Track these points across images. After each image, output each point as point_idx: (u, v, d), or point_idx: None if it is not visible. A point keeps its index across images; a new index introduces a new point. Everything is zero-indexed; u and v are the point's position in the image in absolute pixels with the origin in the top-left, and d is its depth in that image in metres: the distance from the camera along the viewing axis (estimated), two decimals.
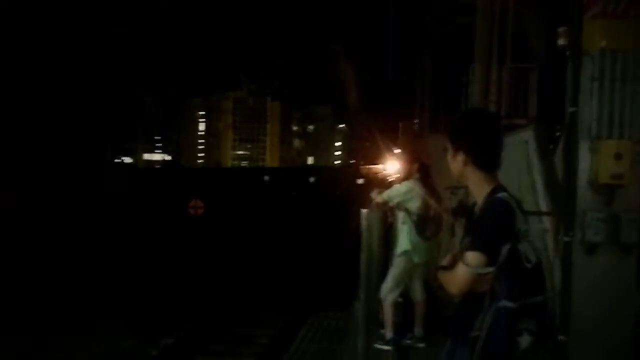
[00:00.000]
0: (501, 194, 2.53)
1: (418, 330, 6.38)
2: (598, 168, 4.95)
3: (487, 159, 2.60)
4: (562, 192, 5.53)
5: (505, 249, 2.40)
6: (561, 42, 5.37)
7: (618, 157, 4.86)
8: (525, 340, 2.43)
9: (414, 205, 6.19)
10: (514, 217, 2.48)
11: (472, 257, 2.44)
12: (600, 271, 4.99)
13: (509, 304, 2.40)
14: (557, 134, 7.77)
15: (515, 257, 2.42)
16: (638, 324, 5.16)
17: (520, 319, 2.42)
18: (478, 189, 2.62)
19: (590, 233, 4.95)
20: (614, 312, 4.99)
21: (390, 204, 6.43)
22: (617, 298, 5.05)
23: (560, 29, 5.39)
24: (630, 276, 5.12)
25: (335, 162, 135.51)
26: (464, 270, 2.45)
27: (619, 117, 4.98)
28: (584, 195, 5.09)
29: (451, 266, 2.58)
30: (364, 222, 5.24)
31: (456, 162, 2.64)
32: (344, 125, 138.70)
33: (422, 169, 6.45)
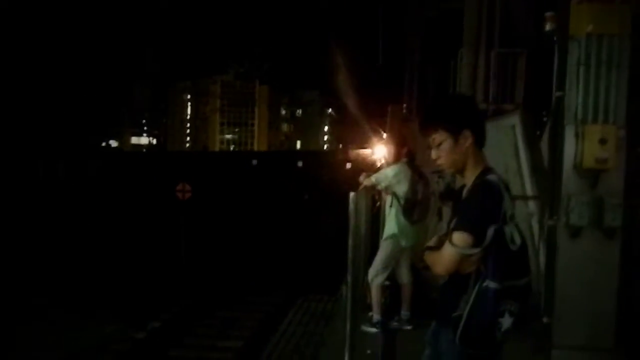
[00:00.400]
0: (490, 176, 2.57)
1: (405, 313, 6.44)
2: (583, 152, 5.00)
3: (483, 135, 2.66)
4: (547, 176, 5.59)
5: (491, 231, 2.43)
6: (548, 27, 5.39)
7: (603, 141, 4.92)
8: (507, 322, 2.46)
9: (402, 188, 6.22)
10: (502, 199, 2.50)
11: (458, 237, 2.46)
12: (584, 254, 5.06)
13: (493, 285, 2.43)
14: (544, 119, 7.83)
15: (501, 239, 2.45)
16: (620, 307, 5.24)
17: (503, 300, 2.44)
18: (471, 170, 2.64)
19: (574, 217, 5.01)
20: (597, 295, 5.06)
21: (378, 188, 6.46)
22: (600, 281, 5.13)
23: (547, 14, 5.41)
24: (613, 260, 5.19)
25: (324, 147, 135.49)
26: (451, 250, 2.47)
27: (604, 102, 5.02)
28: (569, 180, 5.15)
29: (438, 247, 2.60)
30: (351, 206, 5.26)
31: (459, 146, 2.62)
32: (331, 109, 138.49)
33: (410, 153, 6.48)
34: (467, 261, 2.46)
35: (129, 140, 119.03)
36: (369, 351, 5.42)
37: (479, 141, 2.64)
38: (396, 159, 6.44)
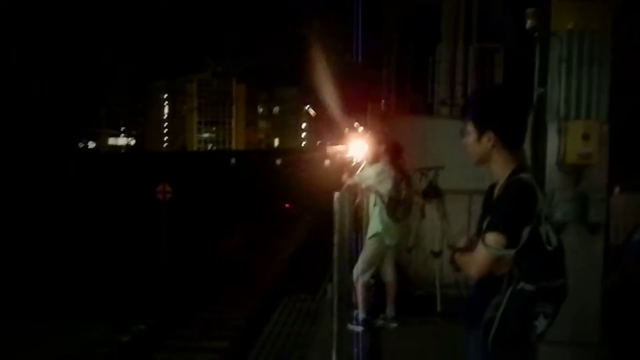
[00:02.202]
0: (523, 175, 2.47)
1: (390, 311, 6.45)
2: (566, 148, 5.03)
3: (514, 138, 2.56)
4: (531, 171, 5.62)
5: (526, 231, 2.35)
6: (529, 23, 5.40)
7: (585, 137, 4.95)
8: (541, 324, 2.40)
9: (385, 187, 6.23)
10: (536, 198, 2.42)
11: (492, 238, 2.39)
12: (567, 250, 5.07)
13: (528, 287, 2.35)
14: None
15: (536, 239, 2.37)
16: (604, 302, 5.29)
17: (538, 302, 2.37)
18: (501, 169, 2.56)
19: (558, 213, 5.03)
20: (581, 290, 5.08)
21: (362, 186, 6.46)
22: (585, 276, 5.16)
23: (529, 10, 5.42)
24: (597, 255, 5.23)
25: (302, 144, 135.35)
26: (484, 251, 2.40)
27: (586, 98, 5.06)
28: (552, 176, 5.17)
29: (467, 248, 2.53)
30: (335, 205, 5.24)
31: (481, 144, 2.55)
32: (309, 106, 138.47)
33: (390, 151, 6.48)
34: (501, 262, 2.40)
35: (106, 141, 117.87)
36: (355, 350, 5.41)
37: (508, 142, 2.54)
38: (377, 157, 6.44)
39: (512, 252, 2.36)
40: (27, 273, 12.96)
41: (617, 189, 6.90)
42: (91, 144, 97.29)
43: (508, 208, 2.44)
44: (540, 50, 5.35)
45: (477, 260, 2.44)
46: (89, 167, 30.98)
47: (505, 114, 2.55)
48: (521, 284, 2.36)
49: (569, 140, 4.99)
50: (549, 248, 2.38)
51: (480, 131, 2.55)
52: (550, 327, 2.47)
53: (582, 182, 5.09)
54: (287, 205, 23.12)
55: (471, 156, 2.63)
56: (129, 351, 9.23)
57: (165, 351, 9.32)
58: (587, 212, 5.02)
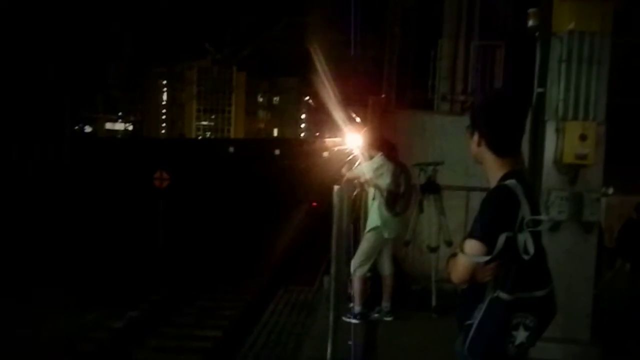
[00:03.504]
0: (509, 181, 2.41)
1: (386, 304, 6.51)
2: (563, 148, 5.10)
3: (500, 143, 2.49)
4: (527, 171, 5.68)
5: (502, 238, 2.30)
6: (531, 23, 5.46)
7: (583, 137, 5.02)
8: (521, 335, 2.33)
9: (385, 181, 6.28)
10: (516, 205, 2.34)
11: (469, 245, 2.37)
12: (562, 248, 5.16)
13: (503, 295, 2.31)
14: None
15: (513, 247, 2.32)
16: (597, 299, 5.37)
17: (516, 313, 2.32)
18: (491, 172, 2.51)
19: (554, 211, 5.11)
20: (574, 288, 5.17)
21: (361, 180, 6.51)
22: (578, 274, 5.24)
23: (531, 10, 5.48)
24: (591, 253, 5.31)
25: (301, 135, 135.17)
26: (462, 258, 2.38)
27: (584, 99, 5.12)
28: (549, 175, 5.25)
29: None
30: (335, 198, 5.30)
31: (472, 143, 2.55)
32: (309, 98, 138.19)
33: (389, 145, 6.53)
34: (483, 270, 2.35)
35: (103, 125, 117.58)
36: (350, 342, 5.47)
37: (495, 147, 2.49)
38: (375, 151, 6.49)
39: (486, 259, 2.32)
40: (22, 257, 12.98)
41: (611, 189, 6.98)
42: (88, 129, 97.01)
43: (486, 215, 2.40)
44: (541, 49, 5.40)
45: (457, 267, 2.41)
46: (86, 151, 30.89)
47: (490, 118, 2.51)
48: (497, 292, 2.32)
49: (566, 140, 5.06)
50: (526, 257, 2.31)
51: (472, 129, 2.56)
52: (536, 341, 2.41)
53: (578, 182, 5.15)
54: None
55: (471, 153, 2.64)
56: (122, 337, 9.26)
57: (159, 338, 9.35)
58: (582, 212, 5.09)
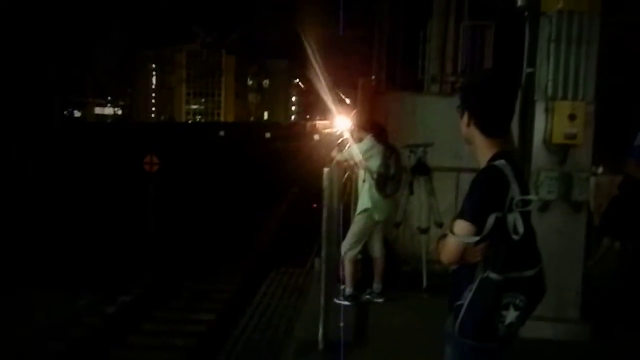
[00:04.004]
0: (498, 161, 2.40)
1: (377, 286, 6.54)
2: (552, 128, 5.11)
3: (489, 123, 2.49)
4: (517, 151, 5.69)
5: (492, 219, 2.31)
6: (520, 2, 5.43)
7: (572, 117, 5.03)
8: (511, 315, 2.35)
9: (375, 163, 6.29)
10: (507, 185, 2.35)
11: (459, 226, 2.38)
12: (552, 228, 5.19)
13: (493, 276, 2.32)
14: None
15: (503, 227, 2.33)
16: (587, 278, 5.41)
17: (506, 293, 2.33)
18: (481, 152, 2.52)
19: (543, 191, 5.13)
20: (563, 267, 5.20)
21: (351, 162, 6.51)
22: (567, 254, 5.28)
23: None
24: (580, 233, 5.34)
25: (292, 118, 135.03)
26: (452, 239, 2.38)
27: (573, 79, 5.12)
28: (538, 155, 5.26)
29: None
30: (325, 181, 5.30)
31: (462, 123, 2.55)
32: (299, 80, 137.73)
33: (377, 127, 6.52)
34: (472, 250, 2.36)
35: (92, 110, 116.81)
36: (341, 324, 5.50)
37: (483, 127, 2.50)
38: (365, 133, 6.48)
39: (476, 239, 2.33)
40: (12, 243, 12.93)
41: (600, 169, 7.00)
42: (77, 113, 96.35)
43: (475, 195, 2.40)
44: (530, 29, 5.39)
45: (446, 248, 2.41)
46: (75, 136, 30.71)
47: (479, 97, 2.51)
48: (487, 273, 2.33)
49: (555, 120, 5.07)
50: (515, 237, 2.32)
51: (462, 110, 2.56)
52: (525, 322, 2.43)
53: (567, 162, 5.17)
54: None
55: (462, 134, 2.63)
56: (115, 321, 9.27)
57: (152, 322, 9.37)
58: (571, 191, 5.11)
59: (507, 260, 2.33)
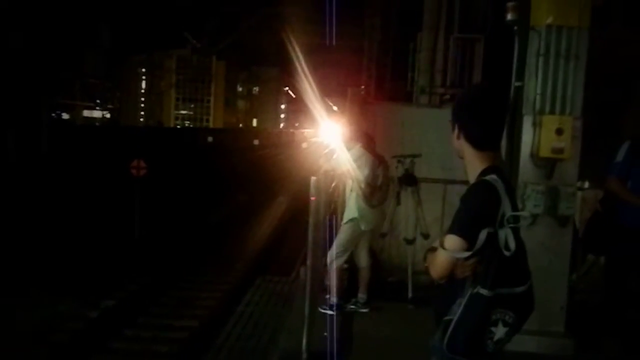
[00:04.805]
0: (490, 176, 2.39)
1: (362, 296, 6.53)
2: (540, 142, 5.14)
3: (480, 137, 2.48)
4: (505, 164, 5.71)
5: (483, 234, 2.29)
6: (510, 16, 5.48)
7: (559, 132, 5.05)
8: (500, 331, 2.34)
9: (363, 172, 6.28)
10: (497, 201, 2.33)
11: (449, 240, 2.35)
12: (538, 241, 5.20)
13: (483, 291, 2.30)
14: None
15: (494, 243, 2.31)
16: (572, 292, 5.41)
17: (496, 309, 2.32)
18: (471, 167, 2.51)
19: (530, 205, 5.14)
20: (549, 281, 5.21)
21: (338, 172, 6.51)
22: (553, 268, 5.29)
23: (509, 4, 5.50)
24: (565, 247, 5.36)
25: (280, 126, 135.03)
26: (442, 254, 2.36)
27: (561, 93, 5.16)
28: (525, 168, 5.29)
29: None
30: (312, 189, 5.29)
31: (453, 136, 2.55)
32: (288, 88, 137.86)
33: (365, 137, 6.54)
34: (462, 266, 2.34)
35: (81, 113, 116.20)
36: (325, 333, 5.48)
37: (473, 141, 2.49)
38: (354, 142, 6.49)
39: (467, 254, 2.31)
40: None
41: (586, 184, 7.03)
42: (65, 116, 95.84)
43: (467, 210, 2.38)
44: (519, 43, 5.42)
45: (436, 263, 2.40)
46: (62, 139, 30.48)
47: (469, 111, 2.51)
48: (477, 288, 2.31)
49: (542, 134, 5.10)
50: (507, 253, 2.30)
51: (454, 123, 2.56)
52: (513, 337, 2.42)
53: (554, 176, 5.20)
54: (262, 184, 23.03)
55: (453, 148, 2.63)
56: (97, 327, 9.17)
57: (134, 328, 9.28)
58: (557, 205, 5.13)
59: (498, 276, 2.31)
